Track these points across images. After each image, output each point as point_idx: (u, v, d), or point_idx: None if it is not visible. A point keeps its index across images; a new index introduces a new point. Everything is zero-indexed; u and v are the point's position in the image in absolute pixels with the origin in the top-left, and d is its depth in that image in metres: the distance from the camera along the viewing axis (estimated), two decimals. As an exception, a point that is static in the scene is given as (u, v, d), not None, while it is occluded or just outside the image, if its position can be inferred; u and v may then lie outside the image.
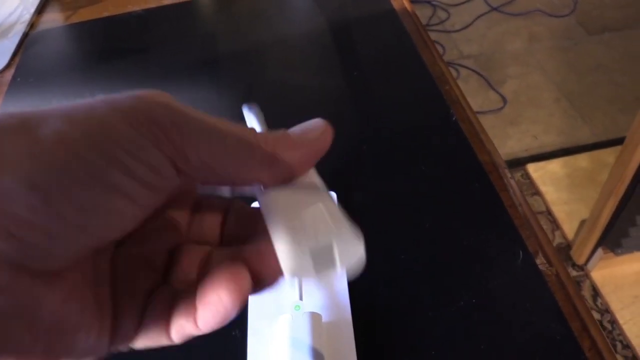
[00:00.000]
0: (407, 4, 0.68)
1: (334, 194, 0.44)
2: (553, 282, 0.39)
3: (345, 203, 0.44)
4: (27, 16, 0.73)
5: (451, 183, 0.45)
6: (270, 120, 0.55)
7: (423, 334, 0.36)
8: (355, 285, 0.39)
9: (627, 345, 1.21)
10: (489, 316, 0.37)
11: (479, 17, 2.14)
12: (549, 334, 0.36)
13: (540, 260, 0.40)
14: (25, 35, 0.70)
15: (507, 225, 0.42)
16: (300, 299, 0.37)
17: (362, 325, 0.37)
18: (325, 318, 0.37)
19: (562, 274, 0.39)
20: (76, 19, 0.73)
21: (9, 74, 0.64)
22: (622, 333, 1.22)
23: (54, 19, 0.74)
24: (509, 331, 0.36)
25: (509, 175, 0.46)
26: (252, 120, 0.25)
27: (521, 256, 0.40)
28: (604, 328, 1.25)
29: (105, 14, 0.72)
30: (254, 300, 0.38)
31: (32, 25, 0.72)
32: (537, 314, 0.37)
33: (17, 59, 0.67)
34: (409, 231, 0.42)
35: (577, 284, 1.28)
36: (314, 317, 0.35)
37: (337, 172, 0.47)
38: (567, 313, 0.37)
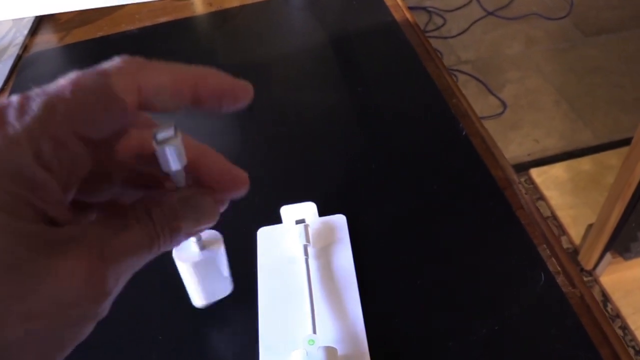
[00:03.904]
0: (408, 15, 0.67)
1: (343, 217, 0.43)
2: (578, 304, 0.37)
3: (355, 225, 0.43)
4: (20, 38, 0.71)
5: (465, 201, 0.43)
6: (274, 140, 0.53)
7: (444, 365, 0.35)
8: (370, 315, 0.37)
9: (640, 352, 1.19)
10: (512, 344, 0.35)
11: (475, 22, 2.13)
12: (577, 362, 0.34)
13: (562, 282, 0.38)
14: (18, 58, 0.69)
15: (526, 245, 0.40)
16: (314, 332, 0.35)
17: (379, 358, 0.35)
18: (340, 351, 0.35)
19: (587, 296, 0.37)
20: (70, 39, 0.71)
21: (2, 99, 0.63)
22: (634, 339, 1.20)
23: (47, 40, 0.72)
24: None
25: (523, 191, 0.45)
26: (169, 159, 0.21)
27: (543, 278, 0.38)
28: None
29: (100, 34, 0.71)
30: (264, 335, 0.36)
31: (25, 47, 0.71)
32: (563, 341, 0.35)
33: (10, 83, 0.65)
34: (423, 255, 0.40)
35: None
36: (330, 352, 0.33)
37: (345, 193, 0.46)
38: (595, 339, 0.35)
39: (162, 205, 0.20)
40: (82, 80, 0.18)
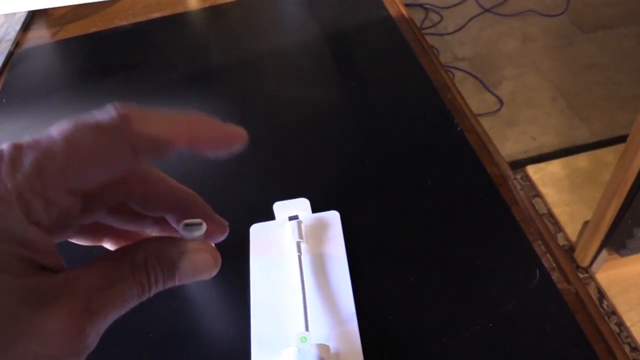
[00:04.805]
0: (403, 10, 0.66)
1: (336, 213, 0.42)
2: (573, 301, 0.37)
3: (348, 221, 0.42)
4: (12, 34, 0.71)
5: (459, 198, 0.43)
6: (267, 136, 0.53)
7: (438, 362, 0.34)
8: (363, 312, 0.37)
9: (636, 348, 1.19)
10: (507, 341, 0.35)
11: (471, 19, 2.13)
12: (572, 359, 0.34)
13: (557, 278, 0.38)
14: (10, 54, 0.68)
15: (521, 242, 0.40)
16: (307, 329, 0.34)
17: (372, 355, 0.35)
18: (333, 349, 0.34)
19: (582, 292, 0.37)
20: (63, 35, 0.70)
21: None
22: (630, 335, 1.20)
23: (40, 35, 0.71)
24: (529, 357, 0.34)
25: (518, 187, 0.44)
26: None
27: (537, 275, 0.38)
28: (612, 331, 1.22)
29: (93, 29, 0.70)
30: (256, 333, 0.36)
31: (17, 43, 0.70)
32: (558, 338, 0.35)
33: (2, 79, 0.64)
34: (417, 251, 0.40)
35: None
36: (322, 349, 0.33)
37: (338, 190, 0.45)
38: (590, 335, 0.35)
39: (161, 257, 0.21)
40: (76, 136, 0.18)
